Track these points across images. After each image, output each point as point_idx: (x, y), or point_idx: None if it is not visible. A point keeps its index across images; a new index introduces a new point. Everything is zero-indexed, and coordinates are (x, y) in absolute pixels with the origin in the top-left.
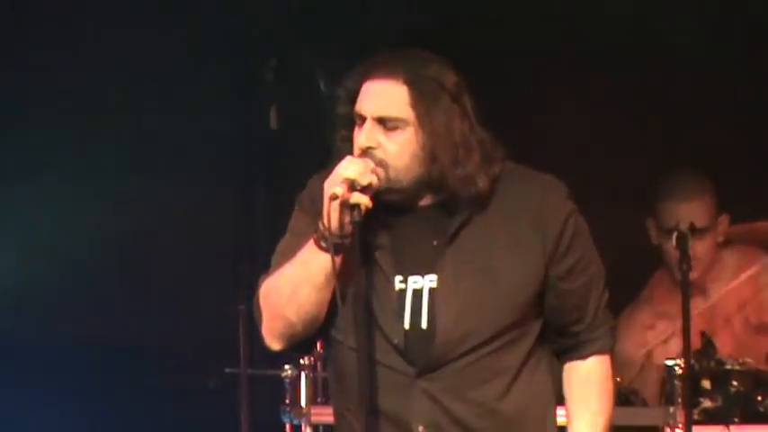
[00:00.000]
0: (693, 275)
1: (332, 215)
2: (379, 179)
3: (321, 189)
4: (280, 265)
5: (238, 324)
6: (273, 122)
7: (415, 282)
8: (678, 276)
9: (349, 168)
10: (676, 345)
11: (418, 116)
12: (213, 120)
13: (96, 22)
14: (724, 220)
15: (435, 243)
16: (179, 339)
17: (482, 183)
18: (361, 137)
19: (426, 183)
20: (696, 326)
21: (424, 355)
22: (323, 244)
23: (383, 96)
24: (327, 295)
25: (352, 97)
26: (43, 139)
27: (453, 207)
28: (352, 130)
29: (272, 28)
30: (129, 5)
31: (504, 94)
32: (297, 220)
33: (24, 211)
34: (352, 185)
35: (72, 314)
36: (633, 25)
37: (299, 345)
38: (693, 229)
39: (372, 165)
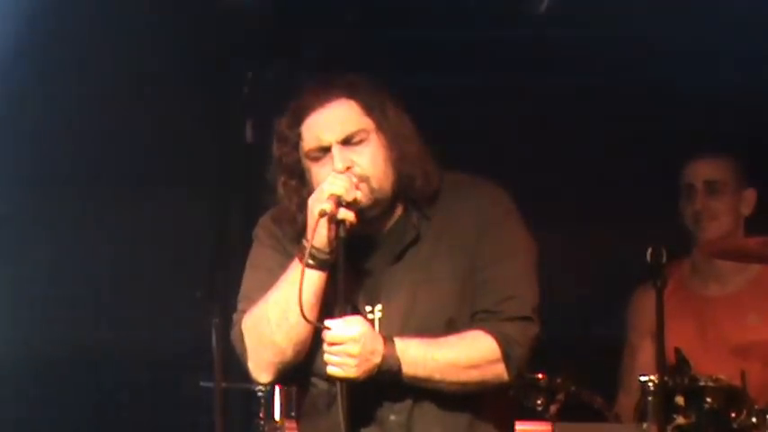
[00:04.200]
0: (710, 235)
1: (319, 231)
2: (364, 194)
3: (277, 225)
4: (255, 300)
5: (212, 337)
6: (249, 136)
7: (380, 309)
8: (694, 229)
9: (335, 185)
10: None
11: (376, 121)
12: (189, 133)
13: (75, 37)
14: (750, 193)
15: (388, 267)
16: (153, 352)
17: (436, 181)
18: (336, 162)
19: (399, 187)
20: (707, 313)
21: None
22: (310, 261)
23: (338, 117)
24: (315, 315)
25: (294, 143)
26: (21, 151)
27: (406, 223)
28: (296, 178)
29: (248, 41)
30: (104, 19)
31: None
32: (261, 256)
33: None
34: (338, 201)
35: (45, 326)
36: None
37: (286, 374)
38: (709, 183)
39: (356, 180)
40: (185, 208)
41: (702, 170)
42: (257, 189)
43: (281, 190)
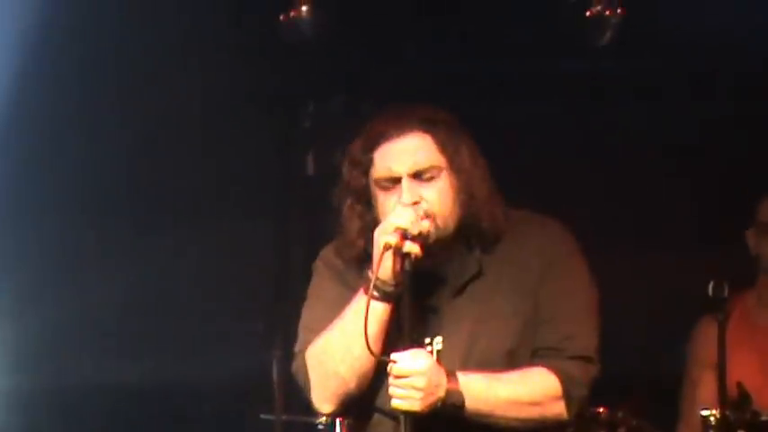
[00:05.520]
0: None
1: (385, 263)
2: (429, 230)
3: (338, 257)
4: (316, 331)
5: (273, 370)
6: (311, 168)
7: (440, 342)
8: None
9: (401, 217)
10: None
11: (449, 159)
12: (251, 166)
13: (138, 67)
14: None
15: (449, 300)
16: (214, 385)
17: (501, 221)
18: (404, 196)
19: (463, 226)
20: None
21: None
22: (375, 293)
23: (412, 150)
24: (380, 347)
25: (365, 169)
26: (81, 181)
27: (468, 257)
28: (363, 204)
29: (310, 74)
30: (168, 52)
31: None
32: (322, 287)
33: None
34: (404, 234)
35: (104, 357)
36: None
37: (348, 405)
38: None
39: (422, 212)
40: (246, 240)
41: None
42: (318, 221)
43: (345, 213)
